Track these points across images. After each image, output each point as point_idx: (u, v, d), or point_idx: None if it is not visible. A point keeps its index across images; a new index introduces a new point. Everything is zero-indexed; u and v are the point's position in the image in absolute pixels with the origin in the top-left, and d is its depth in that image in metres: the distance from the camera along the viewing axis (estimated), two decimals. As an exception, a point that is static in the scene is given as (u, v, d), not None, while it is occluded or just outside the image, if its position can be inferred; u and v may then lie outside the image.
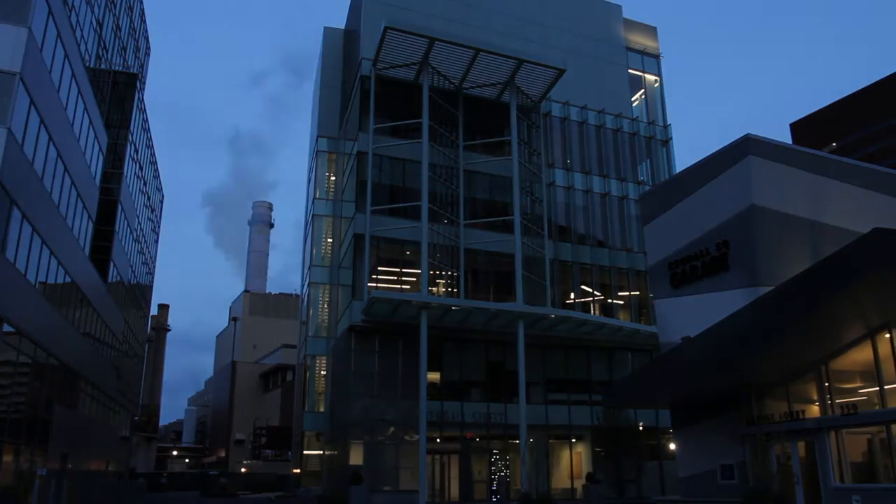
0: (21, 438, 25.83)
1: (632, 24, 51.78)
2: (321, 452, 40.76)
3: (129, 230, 49.91)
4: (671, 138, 48.76)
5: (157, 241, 71.82)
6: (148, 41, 66.09)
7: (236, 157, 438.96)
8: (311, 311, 43.47)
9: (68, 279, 31.25)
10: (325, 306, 43.41)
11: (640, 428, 39.38)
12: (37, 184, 25.55)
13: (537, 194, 41.62)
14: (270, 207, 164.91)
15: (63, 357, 31.38)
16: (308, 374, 42.73)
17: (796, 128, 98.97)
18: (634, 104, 50.33)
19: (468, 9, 44.66)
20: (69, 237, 31.08)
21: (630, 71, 50.16)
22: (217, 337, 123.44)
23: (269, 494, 55.55)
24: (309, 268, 44.90)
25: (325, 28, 52.32)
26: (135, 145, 50.16)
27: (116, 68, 49.94)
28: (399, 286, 38.28)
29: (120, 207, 45.21)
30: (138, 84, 51.60)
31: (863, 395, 21.54)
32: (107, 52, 47.39)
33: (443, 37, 38.51)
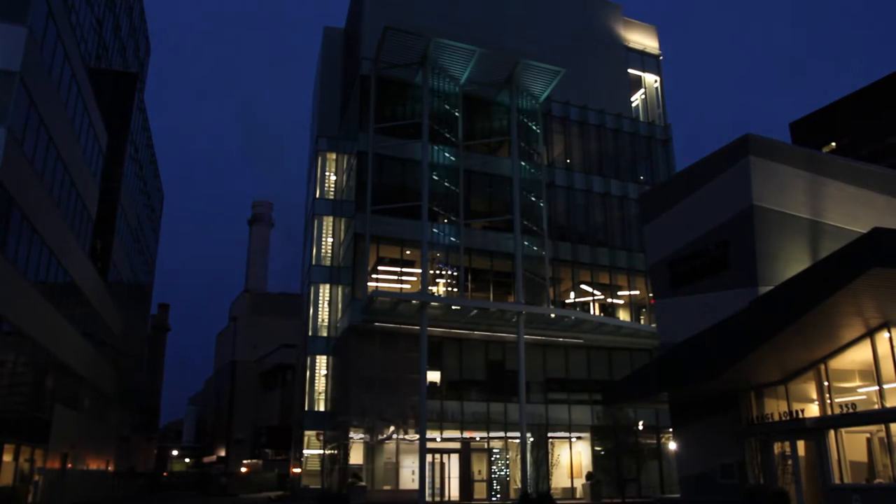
0: (21, 438, 25.84)
1: (632, 24, 51.77)
2: (321, 452, 40.74)
3: (128, 230, 49.93)
4: (671, 138, 48.74)
5: (157, 241, 71.83)
6: (148, 41, 66.13)
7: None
8: (311, 311, 43.44)
9: (68, 279, 31.25)
10: (326, 306, 43.40)
11: (640, 427, 39.37)
12: (36, 183, 25.55)
13: (537, 194, 41.61)
14: (271, 207, 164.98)
15: (63, 357, 31.39)
16: (308, 374, 42.73)
17: (796, 128, 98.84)
18: (634, 104, 50.31)
19: (468, 9, 44.64)
20: (69, 237, 31.08)
21: (630, 71, 50.13)
22: (217, 336, 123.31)
23: (269, 494, 55.56)
24: (309, 267, 44.86)
25: (325, 28, 52.33)
26: (135, 145, 50.19)
27: (116, 68, 49.96)
28: (399, 286, 38.29)
29: (120, 207, 45.22)
30: (138, 84, 51.62)
31: (862, 394, 21.57)
32: (107, 51, 47.41)
33: (443, 37, 38.53)
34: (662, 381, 26.42)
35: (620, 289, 43.67)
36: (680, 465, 28.70)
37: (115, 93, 44.41)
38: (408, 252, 38.50)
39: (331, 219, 44.51)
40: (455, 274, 38.33)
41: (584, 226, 44.19)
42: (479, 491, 37.35)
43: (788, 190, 24.53)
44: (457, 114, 40.74)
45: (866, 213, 24.34)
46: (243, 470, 78.92)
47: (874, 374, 20.70)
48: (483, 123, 42.79)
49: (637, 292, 43.82)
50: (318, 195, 45.23)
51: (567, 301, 42.05)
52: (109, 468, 47.49)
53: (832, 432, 21.81)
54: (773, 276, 22.99)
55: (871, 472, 21.60)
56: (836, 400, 21.87)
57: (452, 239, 38.18)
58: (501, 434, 37.65)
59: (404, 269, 38.80)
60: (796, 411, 22.71)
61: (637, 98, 50.76)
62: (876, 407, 20.60)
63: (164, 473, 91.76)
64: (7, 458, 24.59)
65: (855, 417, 21.02)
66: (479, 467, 38.04)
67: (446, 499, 36.90)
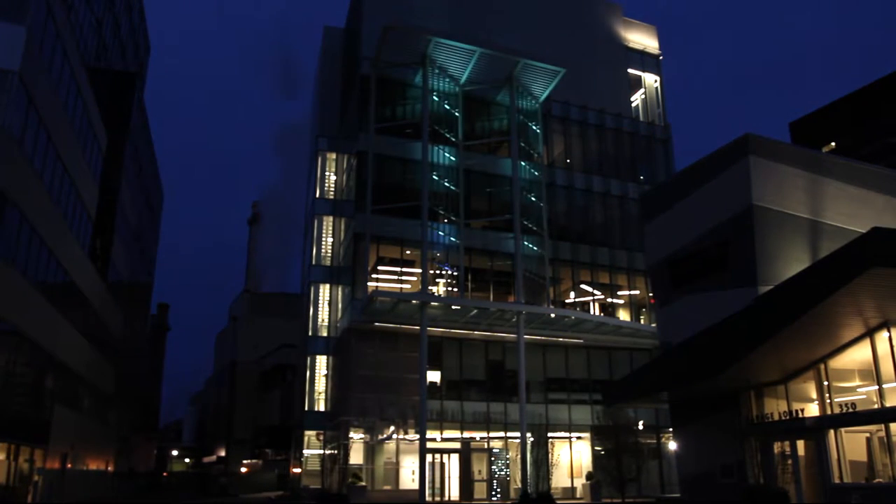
0: (21, 438, 25.82)
1: (631, 24, 51.76)
2: (321, 452, 40.73)
3: (128, 230, 49.93)
4: (671, 138, 48.74)
5: (157, 241, 71.82)
6: (147, 40, 66.14)
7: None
8: (311, 311, 43.44)
9: (68, 279, 31.24)
10: (326, 306, 43.40)
11: (640, 427, 39.35)
12: (36, 183, 25.54)
13: (537, 194, 41.60)
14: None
15: (63, 357, 31.38)
16: (308, 374, 42.74)
17: (796, 128, 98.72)
18: (634, 104, 50.30)
19: (468, 8, 44.62)
20: (68, 237, 31.08)
21: (630, 71, 50.12)
22: (217, 336, 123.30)
23: (269, 494, 55.55)
24: (309, 267, 44.87)
25: (325, 27, 52.33)
26: (135, 145, 50.18)
27: (116, 68, 49.97)
28: (399, 286, 38.28)
29: (120, 207, 45.22)
30: (138, 83, 51.63)
31: (862, 393, 21.56)
32: (106, 51, 47.44)
33: (443, 36, 38.52)
34: (662, 381, 26.41)
35: (620, 288, 43.66)
36: (680, 465, 28.69)
37: (114, 92, 44.41)
38: (408, 252, 38.49)
39: (331, 219, 44.53)
40: (455, 274, 38.32)
41: (584, 225, 44.17)
42: (479, 491, 37.34)
43: (788, 190, 24.52)
44: (457, 114, 40.74)
45: (866, 212, 24.33)
46: (243, 470, 78.90)
47: (874, 373, 20.70)
48: (483, 123, 42.78)
49: (637, 292, 43.81)
50: (318, 195, 45.24)
51: (567, 301, 42.04)
52: (109, 468, 47.49)
53: (832, 432, 21.80)
54: (773, 276, 22.98)
55: (871, 471, 21.60)
56: (836, 399, 21.86)
57: (452, 239, 38.18)
58: (501, 434, 37.64)
59: (404, 269, 38.78)
60: (796, 411, 22.71)
61: (637, 98, 50.76)
62: (875, 406, 20.59)
63: (164, 473, 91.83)
64: (7, 457, 24.57)
65: (855, 417, 21.01)
66: (479, 467, 38.02)
67: (446, 499, 36.90)
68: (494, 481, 37.32)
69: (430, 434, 35.01)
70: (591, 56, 47.94)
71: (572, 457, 39.63)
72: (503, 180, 40.92)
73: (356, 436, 35.71)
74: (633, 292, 43.78)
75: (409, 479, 36.08)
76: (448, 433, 37.03)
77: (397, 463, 36.72)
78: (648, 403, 34.80)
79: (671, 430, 33.28)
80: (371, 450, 36.22)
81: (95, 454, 42.42)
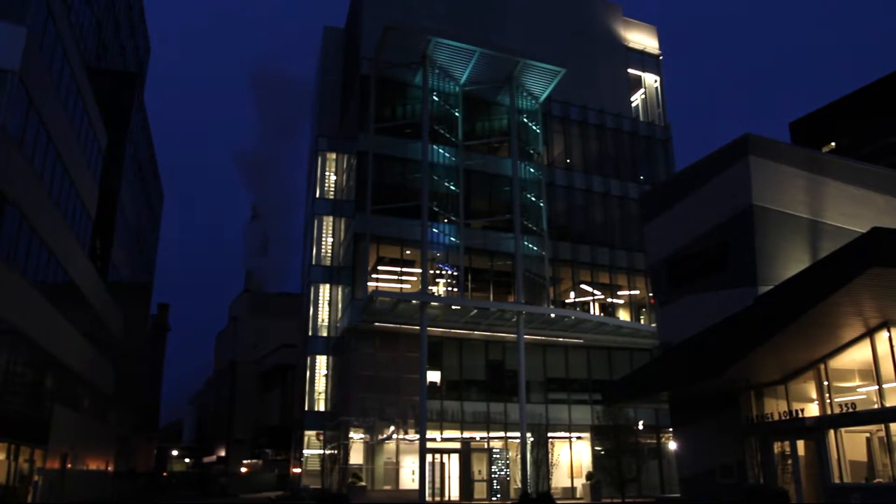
0: (20, 438, 25.81)
1: (632, 24, 51.77)
2: (321, 452, 40.71)
3: (128, 230, 49.91)
4: (671, 138, 48.75)
5: (157, 241, 71.78)
6: (147, 40, 66.11)
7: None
8: (311, 311, 43.45)
9: (68, 279, 31.22)
10: (326, 306, 43.41)
11: (640, 427, 39.36)
12: (36, 183, 25.54)
13: (537, 194, 41.61)
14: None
15: (63, 357, 31.36)
16: (308, 374, 42.74)
17: (796, 128, 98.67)
18: (634, 104, 50.31)
19: (468, 8, 44.65)
20: (69, 237, 31.06)
21: (630, 71, 50.14)
22: (217, 336, 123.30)
23: (269, 494, 55.54)
24: (309, 267, 44.87)
25: (325, 27, 52.34)
26: (134, 145, 50.15)
27: (116, 68, 49.96)
28: (399, 286, 38.30)
29: (120, 207, 45.18)
30: (138, 83, 51.62)
31: (862, 393, 21.57)
32: (106, 51, 47.42)
33: (443, 36, 38.55)
34: (662, 381, 26.44)
35: (620, 288, 43.67)
36: (680, 465, 28.72)
37: (114, 92, 44.28)
38: (408, 252, 38.51)
39: (331, 219, 44.53)
40: (455, 274, 38.32)
41: (584, 225, 44.19)
42: (479, 491, 37.35)
43: (788, 190, 24.55)
44: (457, 114, 40.75)
45: (866, 212, 24.35)
46: (243, 470, 78.92)
47: (874, 373, 20.71)
48: (483, 123, 42.80)
49: (637, 292, 43.82)
50: (318, 195, 45.24)
51: (567, 301, 42.04)
52: (109, 468, 47.45)
53: (832, 432, 21.82)
54: (773, 276, 22.99)
55: (871, 471, 21.60)
56: (836, 399, 21.87)
57: (452, 239, 38.19)
58: (501, 434, 37.66)
59: (404, 269, 38.80)
60: (796, 411, 22.72)
61: (637, 98, 50.76)
62: (875, 406, 20.60)
63: (164, 474, 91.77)
64: (7, 457, 24.57)
65: (854, 417, 21.02)
66: (479, 467, 38.04)
67: (446, 499, 36.91)
68: (494, 481, 37.34)
69: (430, 434, 35.04)
70: (591, 56, 47.95)
71: (572, 457, 39.64)
72: (503, 180, 40.94)
73: (356, 436, 35.72)
74: (633, 292, 43.79)
75: (409, 479, 36.10)
76: (448, 433, 37.05)
77: (397, 463, 36.73)
78: (648, 403, 34.83)
79: (671, 430, 33.30)
80: (371, 450, 36.23)
81: (95, 454, 42.38)
